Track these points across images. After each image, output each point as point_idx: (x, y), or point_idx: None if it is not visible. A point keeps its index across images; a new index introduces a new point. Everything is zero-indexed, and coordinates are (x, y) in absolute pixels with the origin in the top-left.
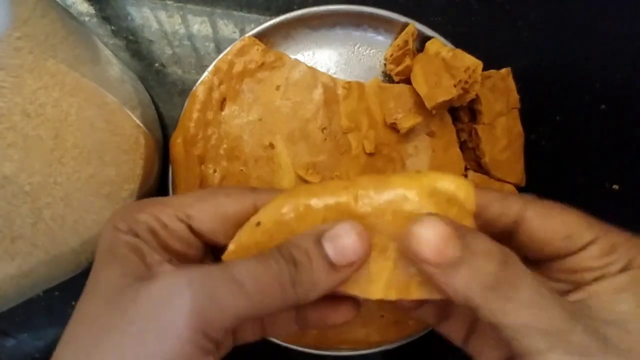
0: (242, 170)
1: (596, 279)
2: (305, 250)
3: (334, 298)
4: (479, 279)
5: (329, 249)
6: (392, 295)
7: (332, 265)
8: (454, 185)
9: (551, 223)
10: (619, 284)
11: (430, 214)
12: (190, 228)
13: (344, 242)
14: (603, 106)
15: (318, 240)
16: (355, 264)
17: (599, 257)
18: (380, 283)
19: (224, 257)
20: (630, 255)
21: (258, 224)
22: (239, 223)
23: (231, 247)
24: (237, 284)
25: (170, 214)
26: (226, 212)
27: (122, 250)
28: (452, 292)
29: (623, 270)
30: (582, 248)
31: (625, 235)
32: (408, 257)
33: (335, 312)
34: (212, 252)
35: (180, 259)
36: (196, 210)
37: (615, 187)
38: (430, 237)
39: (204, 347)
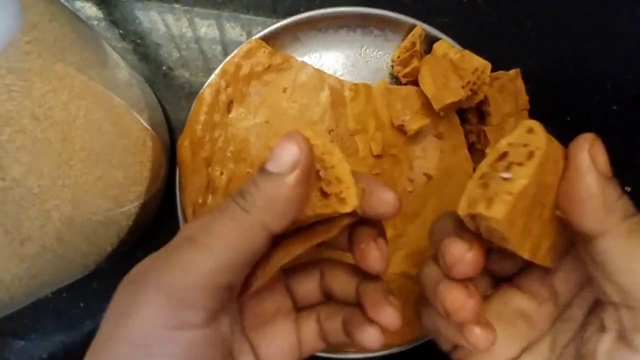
0: (249, 172)
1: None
2: (249, 181)
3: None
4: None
5: (269, 165)
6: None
7: (278, 176)
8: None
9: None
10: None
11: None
12: None
13: (281, 151)
14: (614, 107)
15: (261, 167)
16: (300, 166)
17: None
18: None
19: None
20: None
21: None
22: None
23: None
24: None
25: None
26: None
27: None
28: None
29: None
30: None
31: None
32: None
33: (361, 332)
34: None
35: None
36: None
37: (628, 188)
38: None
39: (175, 307)
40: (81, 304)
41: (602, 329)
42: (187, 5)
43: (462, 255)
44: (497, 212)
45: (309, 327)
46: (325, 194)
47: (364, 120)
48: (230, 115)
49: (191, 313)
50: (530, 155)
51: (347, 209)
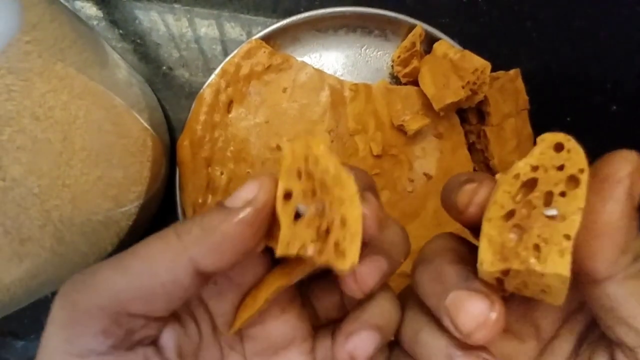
0: (249, 172)
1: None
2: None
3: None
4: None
5: (226, 200)
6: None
7: (226, 209)
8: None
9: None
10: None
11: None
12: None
13: (241, 188)
14: (614, 107)
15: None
16: (253, 204)
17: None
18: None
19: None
20: None
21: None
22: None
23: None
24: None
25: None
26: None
27: None
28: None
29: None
30: None
31: None
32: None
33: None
34: None
35: None
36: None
37: None
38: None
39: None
40: None
41: None
42: (187, 5)
43: (486, 315)
44: (561, 266)
45: (327, 350)
46: (325, 233)
47: (364, 120)
48: (230, 115)
49: (89, 338)
50: (572, 180)
51: (345, 265)
